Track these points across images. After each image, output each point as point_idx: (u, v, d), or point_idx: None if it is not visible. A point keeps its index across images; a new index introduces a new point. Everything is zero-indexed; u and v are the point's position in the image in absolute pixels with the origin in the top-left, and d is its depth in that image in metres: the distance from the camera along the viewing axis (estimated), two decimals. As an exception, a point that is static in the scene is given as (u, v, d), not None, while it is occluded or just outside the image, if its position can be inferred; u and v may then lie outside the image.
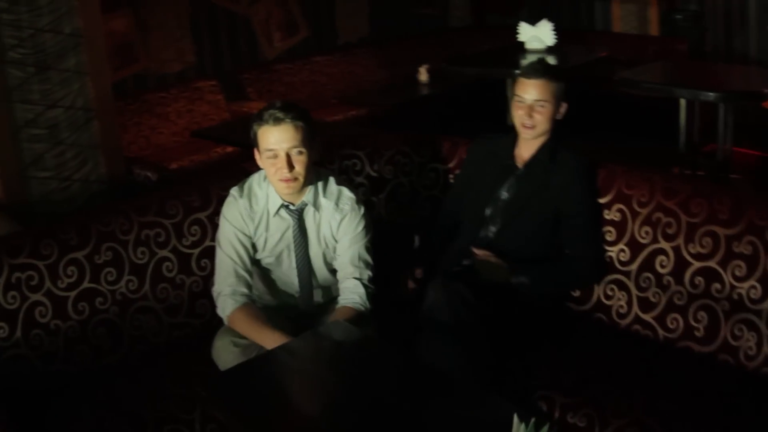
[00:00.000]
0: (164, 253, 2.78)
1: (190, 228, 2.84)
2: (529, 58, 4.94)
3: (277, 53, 6.45)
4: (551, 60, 4.74)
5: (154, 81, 5.75)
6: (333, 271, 2.66)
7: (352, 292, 2.54)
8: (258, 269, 2.67)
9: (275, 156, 2.42)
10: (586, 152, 2.89)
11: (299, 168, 2.43)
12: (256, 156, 2.52)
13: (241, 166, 3.06)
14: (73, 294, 2.59)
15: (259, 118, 2.44)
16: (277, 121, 2.40)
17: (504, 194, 2.84)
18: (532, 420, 1.52)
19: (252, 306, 2.54)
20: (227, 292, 2.53)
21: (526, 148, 2.85)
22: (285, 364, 2.17)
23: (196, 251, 2.84)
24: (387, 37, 7.19)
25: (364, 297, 2.53)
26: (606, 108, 5.68)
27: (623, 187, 2.79)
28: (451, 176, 3.25)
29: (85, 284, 2.62)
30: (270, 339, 2.37)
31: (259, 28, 6.28)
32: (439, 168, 3.29)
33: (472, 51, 7.36)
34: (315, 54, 6.66)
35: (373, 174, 3.34)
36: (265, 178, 2.57)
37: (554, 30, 5.30)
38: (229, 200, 2.60)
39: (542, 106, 2.75)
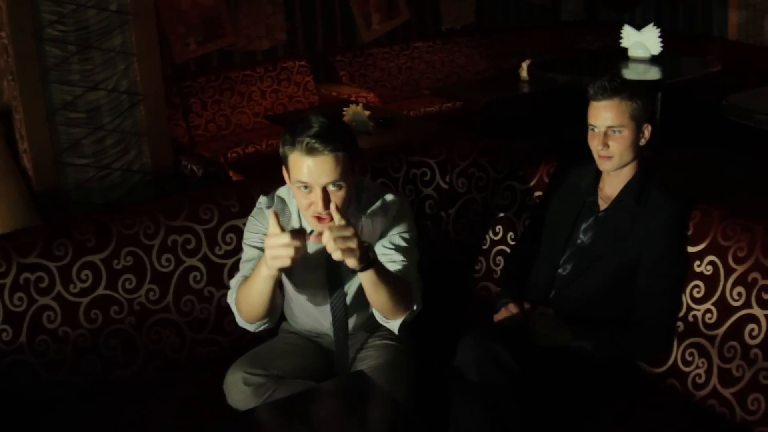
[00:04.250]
0: (193, 261, 2.56)
1: (225, 236, 2.60)
2: (632, 68, 4.43)
3: (375, 36, 6.17)
4: (652, 72, 4.24)
5: (240, 57, 5.59)
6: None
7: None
8: (289, 291, 2.39)
9: (308, 189, 2.01)
10: (676, 176, 2.44)
11: (337, 201, 2.00)
12: (285, 177, 2.13)
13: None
14: (85, 300, 2.41)
15: (291, 141, 1.99)
16: (313, 152, 1.95)
17: (581, 237, 2.46)
18: None
19: None
20: (240, 278, 2.20)
21: (609, 184, 2.45)
22: (301, 416, 1.90)
23: (229, 262, 2.60)
24: (493, 26, 6.80)
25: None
26: (714, 121, 5.12)
27: (719, 236, 2.35)
28: (528, 198, 2.88)
29: (100, 290, 2.42)
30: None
31: (358, 9, 6.01)
32: (517, 187, 2.92)
33: (582, 48, 6.87)
34: (415, 39, 6.37)
35: (444, 186, 3.01)
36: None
37: (661, 37, 4.75)
38: (255, 211, 2.31)
39: (618, 132, 2.34)
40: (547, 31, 7.04)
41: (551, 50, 6.74)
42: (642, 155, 2.43)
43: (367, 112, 4.24)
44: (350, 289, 2.29)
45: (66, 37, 2.95)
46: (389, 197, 2.26)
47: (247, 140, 5.14)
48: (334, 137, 1.97)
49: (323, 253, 2.01)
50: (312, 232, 2.09)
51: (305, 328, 2.44)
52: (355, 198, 2.22)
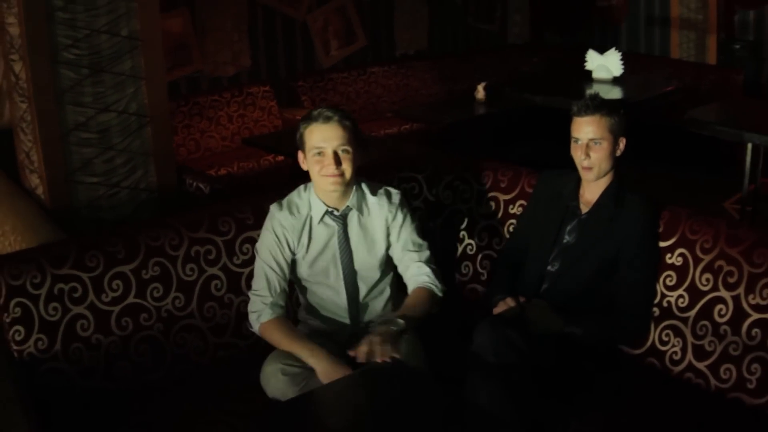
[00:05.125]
0: (214, 270, 2.75)
1: (242, 246, 2.81)
2: (595, 88, 4.81)
3: (334, 62, 6.42)
4: (615, 92, 4.63)
5: (207, 84, 5.77)
6: (380, 287, 2.67)
7: (418, 275, 2.62)
8: (305, 287, 2.66)
9: (322, 154, 2.48)
10: (645, 183, 2.78)
11: (346, 166, 2.49)
12: (301, 159, 2.58)
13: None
14: (117, 308, 2.57)
15: (308, 118, 2.51)
16: (327, 119, 2.47)
17: (566, 238, 2.76)
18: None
19: (287, 320, 2.58)
20: (267, 302, 2.54)
21: (589, 190, 2.76)
22: (336, 403, 2.11)
23: (246, 270, 2.80)
24: (445, 51, 7.13)
25: (433, 276, 2.62)
26: (663, 138, 5.55)
27: (687, 231, 2.68)
28: (511, 207, 3.16)
29: (130, 299, 2.59)
30: (307, 354, 2.41)
31: (317, 36, 6.26)
32: (500, 198, 3.20)
33: (529, 70, 7.27)
34: (372, 64, 6.63)
35: (431, 198, 3.28)
36: (306, 188, 2.62)
37: (622, 60, 5.16)
38: (269, 216, 2.62)
39: (598, 144, 2.67)
40: (495, 54, 7.39)
41: (499, 72, 7.08)
42: (617, 165, 2.75)
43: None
44: (361, 269, 2.63)
45: (80, 60, 3.08)
46: (390, 188, 2.73)
47: (219, 163, 5.29)
48: (341, 110, 2.55)
49: (330, 235, 2.57)
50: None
51: (323, 325, 2.68)
52: (360, 188, 2.65)
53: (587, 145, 2.67)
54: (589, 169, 2.69)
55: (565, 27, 7.56)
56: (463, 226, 3.29)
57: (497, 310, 2.71)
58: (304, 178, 2.66)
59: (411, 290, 2.64)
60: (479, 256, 3.26)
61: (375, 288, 2.67)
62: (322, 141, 2.47)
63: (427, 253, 2.68)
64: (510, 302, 2.70)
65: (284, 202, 2.64)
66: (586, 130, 2.67)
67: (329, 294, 2.65)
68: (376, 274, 2.66)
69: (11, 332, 2.43)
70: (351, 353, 2.37)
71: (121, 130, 3.20)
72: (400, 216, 2.67)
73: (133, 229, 2.69)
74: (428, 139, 5.86)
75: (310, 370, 2.39)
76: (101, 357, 2.54)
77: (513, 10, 7.67)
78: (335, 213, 2.59)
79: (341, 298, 2.64)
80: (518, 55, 7.51)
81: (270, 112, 5.93)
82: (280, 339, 2.51)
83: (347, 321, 2.66)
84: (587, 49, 6.95)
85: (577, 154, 2.71)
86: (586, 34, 7.43)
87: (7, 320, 2.42)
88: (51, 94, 3.03)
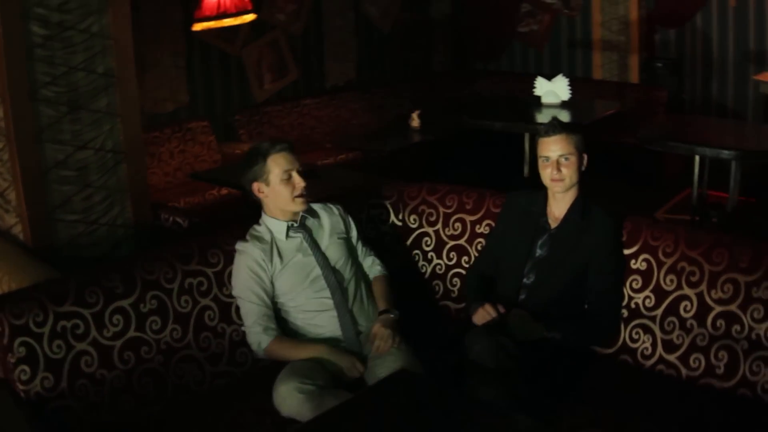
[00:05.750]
0: (206, 301, 2.82)
1: (230, 277, 2.88)
2: (545, 113, 5.11)
3: (267, 95, 6.53)
4: (564, 116, 4.93)
5: (147, 120, 5.76)
6: (356, 275, 2.95)
7: (375, 266, 3.09)
8: (294, 307, 2.84)
9: (290, 177, 2.84)
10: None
11: (303, 182, 2.88)
12: (260, 189, 2.86)
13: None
14: (119, 343, 2.60)
15: (268, 150, 2.84)
16: (288, 150, 2.88)
17: (539, 251, 2.96)
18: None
19: (284, 336, 2.81)
20: (259, 329, 2.76)
21: (557, 206, 2.98)
22: (363, 417, 2.20)
23: (235, 301, 2.88)
24: (373, 81, 7.34)
25: (383, 266, 3.11)
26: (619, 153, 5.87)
27: (649, 238, 2.93)
28: (478, 227, 3.34)
29: (131, 333, 2.63)
30: (313, 351, 2.72)
31: (251, 70, 6.35)
32: (466, 219, 3.38)
33: (454, 96, 7.56)
34: (304, 97, 6.77)
35: (398, 223, 3.44)
36: (259, 222, 2.92)
37: (570, 85, 5.47)
38: (238, 254, 2.85)
39: (567, 159, 2.89)
40: (421, 82, 7.66)
41: (426, 100, 7.35)
42: (582, 179, 2.98)
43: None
44: (336, 262, 2.93)
45: (59, 98, 3.08)
46: (328, 203, 3.10)
47: (165, 199, 5.28)
48: (288, 141, 2.96)
49: (298, 244, 2.88)
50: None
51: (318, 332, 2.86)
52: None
53: (557, 161, 2.89)
54: (561, 180, 2.90)
55: (488, 53, 7.90)
56: (431, 247, 3.46)
57: (477, 317, 2.87)
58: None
59: (372, 279, 3.07)
60: (449, 274, 3.42)
61: (358, 278, 2.96)
62: (290, 164, 2.86)
63: (369, 246, 3.14)
64: (489, 309, 2.87)
65: (247, 237, 2.89)
66: (554, 148, 2.89)
67: (319, 308, 2.83)
68: (350, 264, 2.97)
69: (17, 372, 2.42)
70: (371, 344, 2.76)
71: (98, 167, 3.21)
72: (349, 220, 3.09)
73: (128, 264, 2.73)
74: (366, 168, 6.03)
75: (323, 387, 2.51)
76: (106, 392, 2.56)
77: (437, 39, 7.96)
78: (295, 224, 2.90)
79: (331, 313, 2.83)
80: (443, 83, 7.80)
81: (209, 147, 5.97)
82: (290, 352, 2.72)
83: (341, 332, 2.83)
84: (510, 74, 7.33)
85: (547, 171, 2.92)
86: (509, 59, 7.80)
87: (12, 360, 2.41)
88: (31, 132, 3.02)
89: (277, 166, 2.82)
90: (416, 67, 7.81)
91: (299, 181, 2.85)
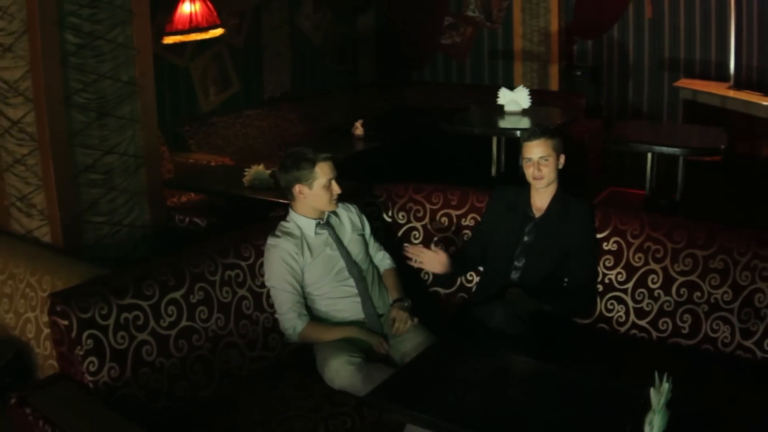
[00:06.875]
0: (243, 292, 3.09)
1: (260, 269, 3.17)
2: (508, 119, 5.62)
3: (212, 106, 6.73)
4: (526, 122, 5.45)
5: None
6: (372, 269, 3.31)
7: (385, 259, 3.44)
8: (319, 295, 3.15)
9: (330, 184, 3.16)
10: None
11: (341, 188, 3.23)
12: (302, 191, 3.15)
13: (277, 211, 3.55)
14: (173, 332, 2.83)
15: (314, 160, 3.14)
16: (330, 159, 3.20)
17: (526, 238, 3.40)
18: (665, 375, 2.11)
19: (314, 321, 3.13)
20: (294, 315, 3.07)
21: (539, 199, 3.43)
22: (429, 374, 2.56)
23: (265, 291, 3.17)
24: (306, 92, 7.65)
25: (392, 259, 3.46)
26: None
27: (618, 223, 3.43)
28: (464, 220, 3.75)
29: (184, 323, 2.86)
30: (345, 332, 3.04)
31: (197, 82, 6.54)
32: (452, 214, 3.78)
33: (380, 105, 7.98)
34: (245, 108, 6.99)
35: (388, 219, 3.80)
36: (286, 218, 3.22)
37: (530, 95, 5.92)
38: (270, 248, 3.13)
39: (546, 160, 3.34)
40: (350, 92, 8.03)
41: (356, 109, 7.72)
42: (560, 176, 3.45)
43: (268, 171, 4.86)
44: (356, 256, 3.27)
45: (89, 104, 3.22)
46: (346, 202, 3.41)
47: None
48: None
49: (324, 240, 3.19)
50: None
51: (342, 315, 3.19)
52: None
53: (538, 162, 3.34)
54: (541, 178, 3.35)
55: (412, 64, 8.36)
56: (419, 240, 3.84)
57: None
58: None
59: (383, 271, 3.41)
60: (437, 263, 3.82)
61: (372, 269, 3.32)
62: (332, 173, 3.20)
63: (379, 242, 3.49)
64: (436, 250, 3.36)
65: (278, 233, 3.17)
66: (536, 150, 3.34)
67: (344, 295, 3.16)
68: (366, 257, 3.33)
69: (85, 364, 2.59)
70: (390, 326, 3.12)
71: (122, 171, 3.37)
72: (363, 218, 3.43)
73: (175, 259, 2.96)
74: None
75: (365, 359, 2.85)
76: (164, 379, 2.77)
77: (364, 51, 8.36)
78: (321, 222, 3.22)
79: (354, 298, 3.17)
80: (370, 93, 8.20)
81: (162, 157, 6.09)
82: (323, 334, 3.04)
83: (365, 315, 3.18)
84: (433, 84, 7.82)
85: (530, 171, 3.37)
86: (432, 70, 8.29)
87: (81, 353, 2.57)
88: (64, 137, 3.15)
89: (323, 174, 3.14)
90: (345, 78, 8.17)
91: (337, 189, 3.18)
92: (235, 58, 6.87)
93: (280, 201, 4.57)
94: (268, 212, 4.65)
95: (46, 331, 2.90)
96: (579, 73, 7.15)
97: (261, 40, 7.14)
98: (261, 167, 4.89)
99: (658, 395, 2.13)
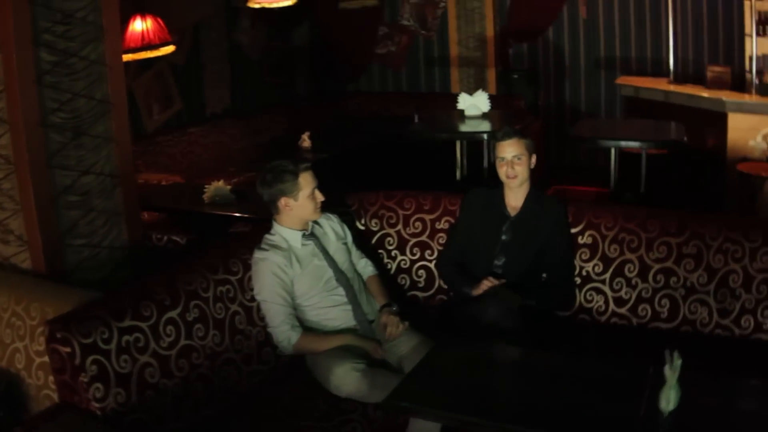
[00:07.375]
0: (234, 307, 3.07)
1: (249, 283, 3.16)
2: (469, 123, 5.72)
3: (156, 125, 6.62)
4: (486, 125, 5.57)
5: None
6: (358, 277, 3.34)
7: (368, 266, 3.47)
8: (308, 305, 3.16)
9: (313, 193, 3.20)
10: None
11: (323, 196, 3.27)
12: (288, 203, 3.16)
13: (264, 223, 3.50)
14: (173, 352, 2.78)
15: (296, 171, 3.17)
16: (308, 168, 3.23)
17: (504, 237, 3.48)
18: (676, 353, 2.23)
19: (307, 331, 3.13)
20: (287, 328, 3.08)
21: (514, 198, 3.52)
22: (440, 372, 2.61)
23: (255, 304, 3.16)
24: (246, 107, 7.61)
25: (374, 266, 3.50)
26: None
27: (592, 217, 3.55)
28: (438, 224, 3.81)
29: (182, 341, 2.82)
30: (339, 340, 3.06)
31: (141, 101, 6.43)
32: (426, 218, 3.84)
33: (319, 117, 8.01)
34: (189, 125, 6.91)
35: (361, 227, 3.84)
36: (270, 231, 3.23)
37: (488, 102, 6.04)
38: (259, 262, 3.13)
39: (519, 159, 3.45)
40: (288, 106, 8.03)
41: (296, 122, 7.71)
42: (532, 175, 3.56)
43: (228, 186, 4.83)
44: (341, 263, 3.30)
45: (65, 124, 3.12)
46: (326, 212, 3.41)
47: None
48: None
49: (311, 251, 3.21)
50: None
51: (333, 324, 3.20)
52: None
53: (512, 161, 3.44)
54: (515, 177, 3.45)
55: (349, 75, 8.41)
56: (393, 246, 3.89)
57: (477, 291, 3.35)
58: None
59: (367, 278, 3.43)
60: (414, 268, 3.87)
61: (357, 276, 3.35)
62: (314, 182, 3.23)
63: (360, 250, 3.53)
64: (492, 279, 3.36)
65: (264, 246, 3.17)
66: (509, 150, 3.44)
67: (334, 303, 3.18)
68: (351, 265, 3.36)
69: (91, 391, 2.51)
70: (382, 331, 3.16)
71: (99, 192, 3.29)
72: (344, 226, 3.46)
73: (169, 276, 2.92)
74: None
75: (369, 364, 2.87)
76: (169, 401, 2.72)
77: (300, 64, 8.37)
78: (306, 233, 3.25)
79: (345, 306, 3.19)
80: (307, 105, 8.21)
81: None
82: (318, 344, 3.05)
83: (356, 322, 3.20)
84: (369, 94, 7.92)
85: (504, 169, 3.46)
86: (367, 80, 8.36)
87: (85, 380, 2.50)
88: (42, 158, 3.06)
89: (307, 184, 3.18)
90: (283, 92, 8.17)
91: (320, 196, 3.23)
92: (177, 75, 6.78)
93: (245, 216, 4.59)
94: (229, 228, 4.65)
95: (39, 360, 2.81)
96: (516, 76, 7.35)
97: (201, 56, 7.07)
98: (221, 183, 4.86)
99: (672, 371, 2.23)
